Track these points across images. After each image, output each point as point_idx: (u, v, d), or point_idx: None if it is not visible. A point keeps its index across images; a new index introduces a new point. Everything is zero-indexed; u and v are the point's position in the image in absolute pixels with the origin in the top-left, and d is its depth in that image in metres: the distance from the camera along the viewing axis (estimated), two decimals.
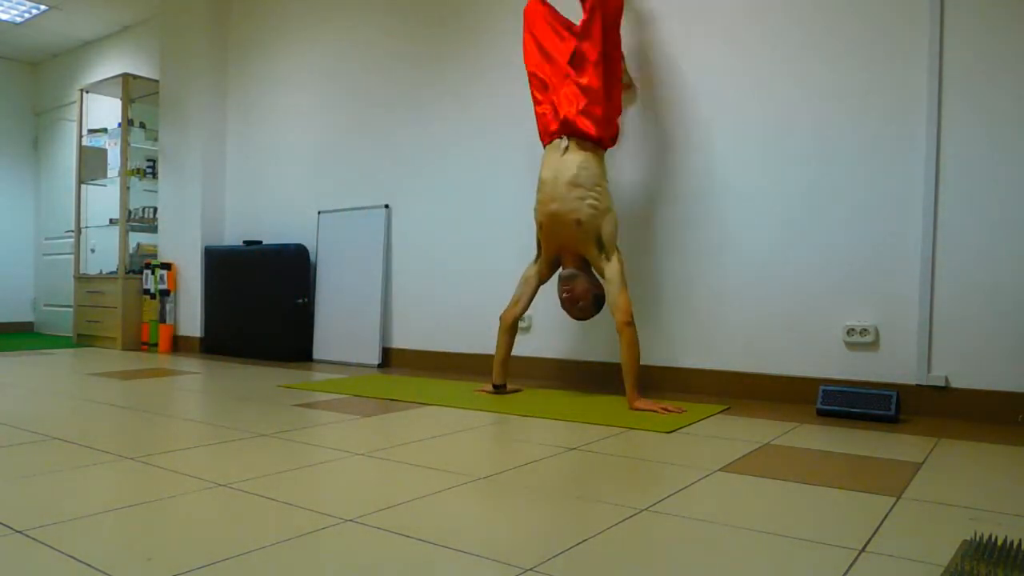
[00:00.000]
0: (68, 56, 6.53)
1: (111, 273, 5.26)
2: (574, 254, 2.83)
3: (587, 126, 2.76)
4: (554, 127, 2.84)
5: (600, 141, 2.79)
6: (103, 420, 2.31)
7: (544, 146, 2.90)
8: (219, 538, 1.21)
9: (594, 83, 2.76)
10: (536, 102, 2.93)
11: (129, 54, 5.90)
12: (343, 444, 1.97)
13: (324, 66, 4.40)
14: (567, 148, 2.79)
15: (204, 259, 4.83)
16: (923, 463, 1.81)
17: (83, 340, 5.41)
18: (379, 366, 3.98)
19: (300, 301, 4.29)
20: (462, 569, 1.09)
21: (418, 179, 3.94)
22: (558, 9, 3.36)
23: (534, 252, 3.38)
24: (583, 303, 2.81)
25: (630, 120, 3.19)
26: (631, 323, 2.60)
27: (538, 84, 2.92)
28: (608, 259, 2.71)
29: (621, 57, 2.93)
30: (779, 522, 1.33)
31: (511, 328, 2.95)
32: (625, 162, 3.20)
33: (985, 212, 2.43)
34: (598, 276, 2.82)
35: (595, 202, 2.72)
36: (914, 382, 2.54)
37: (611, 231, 2.74)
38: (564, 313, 3.38)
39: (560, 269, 2.92)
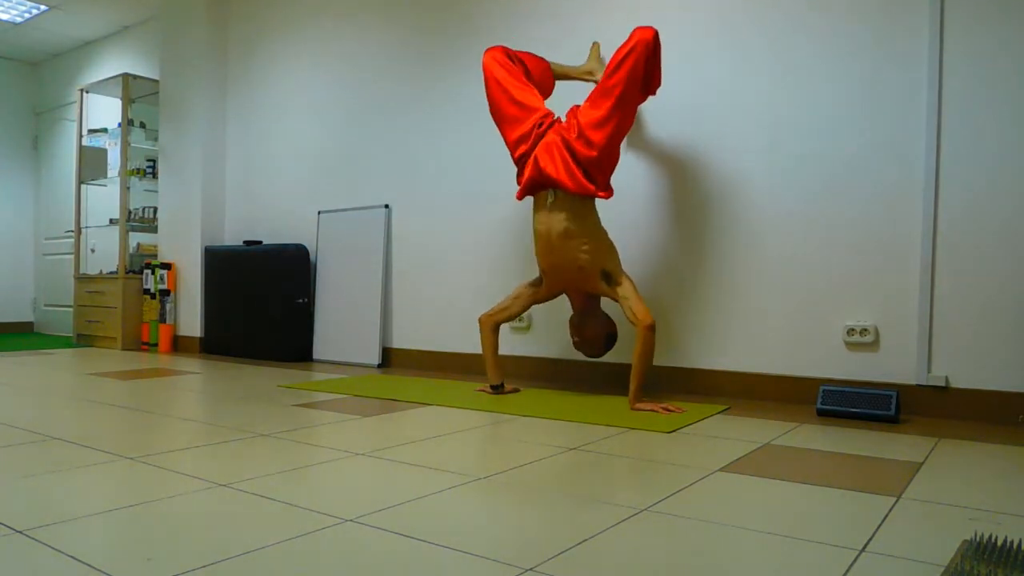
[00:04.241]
0: (68, 56, 6.53)
1: (111, 273, 5.26)
2: (580, 293, 2.84)
3: (569, 184, 2.66)
4: (532, 173, 2.74)
5: (587, 196, 2.69)
6: (103, 420, 2.31)
7: (521, 185, 2.82)
8: (219, 538, 1.21)
9: (595, 139, 2.61)
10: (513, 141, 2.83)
11: (129, 54, 5.90)
12: (343, 444, 1.97)
13: (324, 66, 4.40)
14: (553, 202, 2.73)
15: (204, 259, 4.82)
16: (923, 463, 1.81)
17: (83, 340, 5.41)
18: (379, 366, 3.98)
19: (300, 301, 4.29)
20: (462, 569, 1.09)
21: (418, 179, 3.94)
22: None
23: (534, 256, 3.37)
24: (595, 345, 2.85)
25: (635, 125, 3.19)
26: (652, 327, 2.57)
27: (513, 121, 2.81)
28: (619, 283, 2.70)
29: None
30: (779, 522, 1.33)
31: (493, 329, 2.95)
32: (630, 166, 3.20)
33: (985, 212, 2.43)
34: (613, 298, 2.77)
35: (590, 247, 2.70)
36: (914, 382, 2.54)
37: (615, 264, 2.73)
38: (563, 313, 3.38)
39: (570, 315, 2.92)
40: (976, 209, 2.44)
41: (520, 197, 2.84)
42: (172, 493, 1.48)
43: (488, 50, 2.90)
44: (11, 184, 6.78)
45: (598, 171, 2.67)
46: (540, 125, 2.76)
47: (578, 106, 2.74)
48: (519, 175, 2.84)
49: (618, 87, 2.56)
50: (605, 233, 2.76)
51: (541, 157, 2.72)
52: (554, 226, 2.72)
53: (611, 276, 2.72)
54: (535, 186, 2.78)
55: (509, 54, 2.90)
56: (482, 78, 3.67)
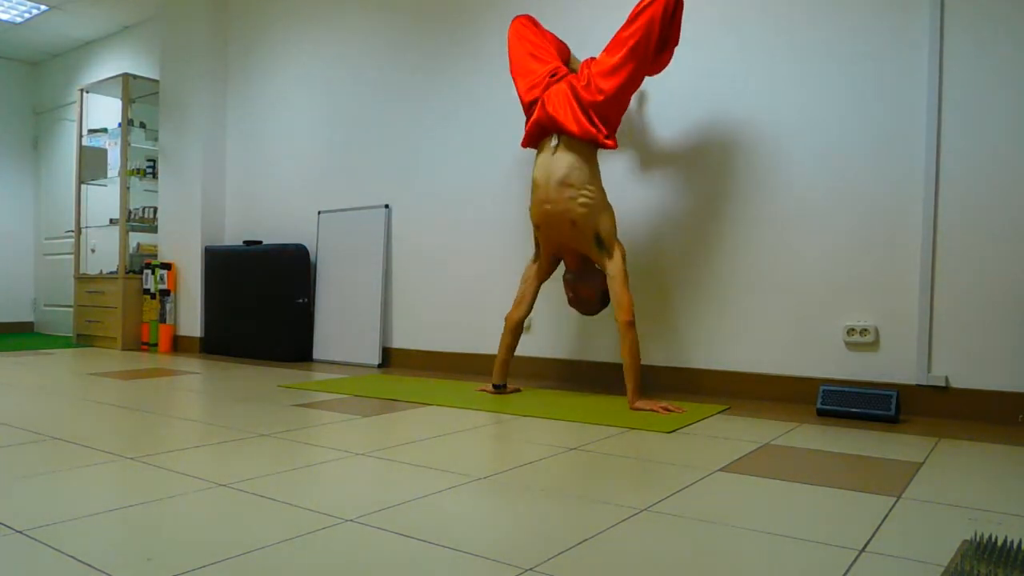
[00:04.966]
0: (68, 56, 6.53)
1: (111, 273, 5.26)
2: (574, 253, 2.83)
3: (574, 127, 2.69)
4: (539, 115, 2.77)
5: (592, 141, 2.72)
6: (103, 420, 2.31)
7: (526, 130, 2.85)
8: (219, 538, 1.21)
9: (604, 86, 2.63)
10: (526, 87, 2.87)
11: (129, 54, 5.90)
12: (343, 444, 1.97)
13: (324, 66, 4.40)
14: (557, 147, 2.75)
15: (204, 259, 4.82)
16: (923, 463, 1.81)
17: (83, 340, 5.41)
18: (379, 366, 3.98)
19: (300, 301, 4.29)
20: (462, 569, 1.09)
21: (418, 179, 3.94)
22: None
23: (533, 250, 3.37)
24: (589, 302, 2.85)
25: (634, 124, 3.19)
26: (632, 323, 2.59)
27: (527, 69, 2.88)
28: (610, 255, 2.69)
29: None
30: (779, 522, 1.33)
31: (516, 329, 2.95)
32: (628, 164, 3.20)
33: (985, 212, 2.43)
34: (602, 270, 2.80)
35: (587, 200, 2.69)
36: (914, 382, 2.54)
37: (609, 227, 2.71)
38: (564, 313, 3.38)
39: (563, 272, 2.93)
40: (976, 209, 2.44)
41: (525, 144, 2.86)
42: (172, 493, 1.48)
43: (516, 17, 3.00)
44: (11, 184, 6.77)
45: (603, 118, 2.68)
46: (553, 75, 2.81)
47: (593, 58, 2.76)
48: (527, 121, 2.87)
49: (632, 37, 2.57)
50: (604, 193, 2.76)
51: (549, 101, 2.75)
52: (554, 171, 2.72)
53: (604, 242, 2.70)
54: (540, 130, 2.80)
55: (535, 21, 2.99)
56: (484, 78, 3.68)
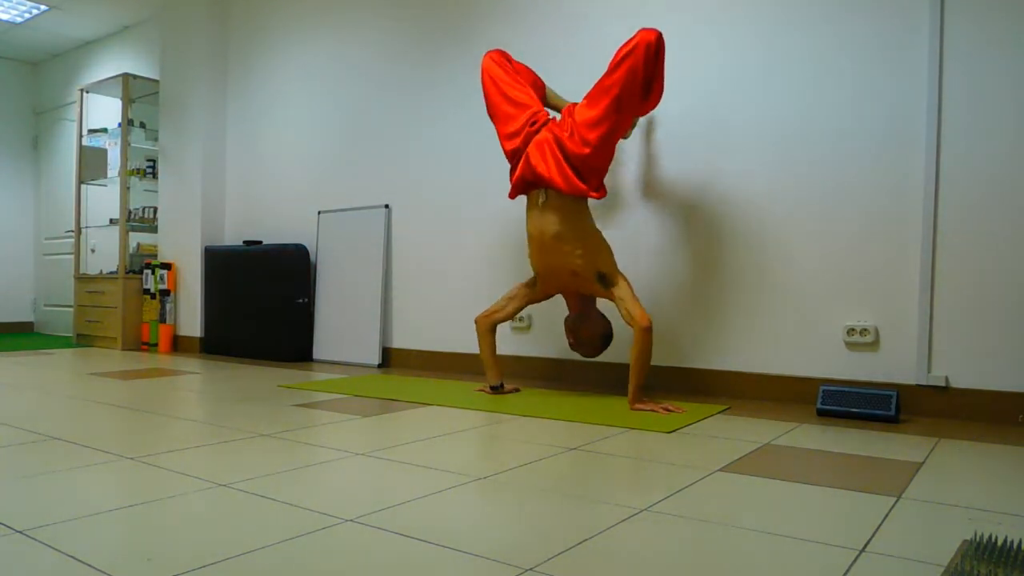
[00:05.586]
0: (68, 56, 6.53)
1: (111, 273, 5.26)
2: (575, 295, 2.85)
3: (561, 185, 2.64)
4: (524, 171, 2.72)
5: (579, 196, 2.67)
6: (103, 420, 2.31)
7: (512, 184, 2.81)
8: (219, 538, 1.21)
9: (589, 137, 2.58)
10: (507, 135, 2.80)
11: (129, 54, 5.90)
12: (343, 444, 1.97)
13: (324, 66, 4.40)
14: (544, 202, 2.71)
15: (204, 259, 4.82)
16: (923, 463, 1.81)
17: (83, 340, 5.41)
18: (379, 366, 3.98)
19: (300, 301, 4.29)
20: (462, 569, 1.09)
21: (418, 179, 3.94)
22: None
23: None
24: (591, 346, 2.86)
25: (637, 126, 3.19)
26: (648, 329, 2.56)
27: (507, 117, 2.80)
28: (615, 284, 2.68)
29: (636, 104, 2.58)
30: (779, 522, 1.33)
31: (493, 329, 2.95)
32: (631, 168, 3.20)
33: (985, 213, 2.43)
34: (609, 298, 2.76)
35: (584, 250, 2.68)
36: (914, 382, 2.54)
37: (609, 264, 2.71)
38: (563, 313, 3.38)
39: (565, 316, 2.94)
40: (976, 209, 2.44)
41: (512, 196, 2.83)
42: (172, 493, 1.48)
43: (488, 52, 2.92)
44: (11, 184, 6.77)
45: (591, 171, 2.65)
46: (533, 123, 2.74)
47: (575, 105, 2.71)
48: (511, 172, 2.83)
49: (615, 87, 2.51)
50: (599, 234, 2.75)
51: (532, 155, 2.69)
52: (546, 228, 2.71)
53: (607, 278, 2.70)
54: (526, 185, 2.77)
55: (508, 57, 2.91)
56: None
